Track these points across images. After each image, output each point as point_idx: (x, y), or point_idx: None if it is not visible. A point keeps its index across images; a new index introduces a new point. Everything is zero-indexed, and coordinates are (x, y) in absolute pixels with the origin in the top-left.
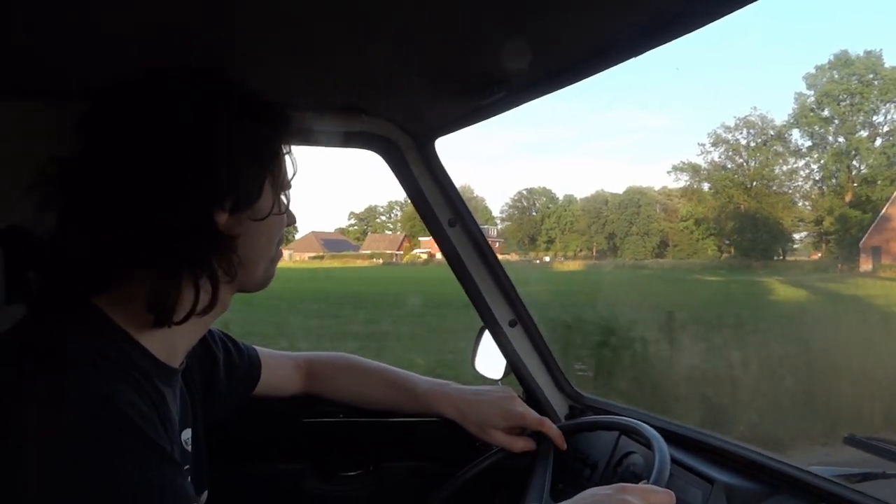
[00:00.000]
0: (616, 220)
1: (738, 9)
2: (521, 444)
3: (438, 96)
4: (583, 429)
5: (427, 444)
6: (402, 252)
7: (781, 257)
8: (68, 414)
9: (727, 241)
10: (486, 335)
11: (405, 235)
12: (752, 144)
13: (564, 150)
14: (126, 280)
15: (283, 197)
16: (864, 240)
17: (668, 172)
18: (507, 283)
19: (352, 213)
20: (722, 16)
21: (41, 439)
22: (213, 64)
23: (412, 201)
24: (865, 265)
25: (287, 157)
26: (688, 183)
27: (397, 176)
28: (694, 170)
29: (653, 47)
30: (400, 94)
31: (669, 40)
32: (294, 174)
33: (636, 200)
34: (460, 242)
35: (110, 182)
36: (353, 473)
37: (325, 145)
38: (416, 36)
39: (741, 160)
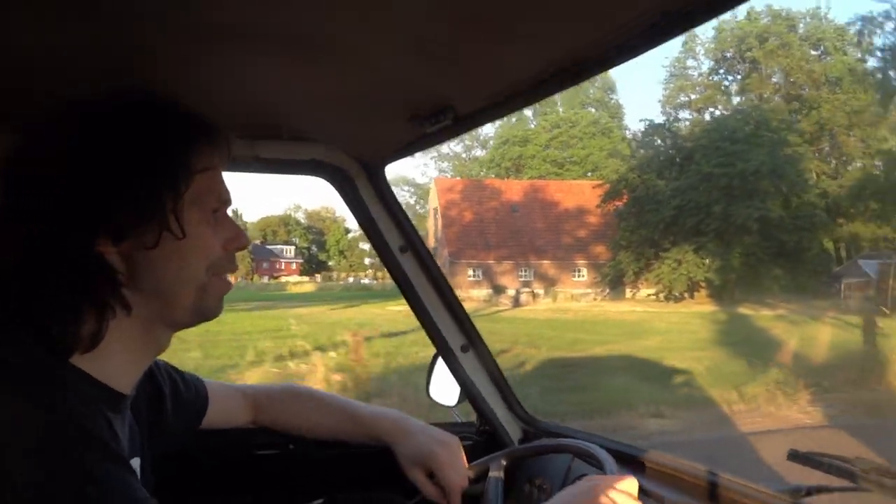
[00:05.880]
0: None
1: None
2: (434, 493)
3: (388, 123)
4: (537, 452)
5: (380, 473)
6: None
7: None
8: (29, 426)
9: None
10: (441, 362)
11: None
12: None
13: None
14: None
15: (203, 219)
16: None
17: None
18: (458, 308)
19: None
20: (653, 46)
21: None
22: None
23: (362, 228)
24: None
25: (209, 176)
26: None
27: (347, 203)
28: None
29: (594, 75)
30: (349, 121)
31: (611, 67)
32: (224, 194)
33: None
34: (411, 269)
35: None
36: None
37: (274, 172)
38: (365, 62)
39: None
